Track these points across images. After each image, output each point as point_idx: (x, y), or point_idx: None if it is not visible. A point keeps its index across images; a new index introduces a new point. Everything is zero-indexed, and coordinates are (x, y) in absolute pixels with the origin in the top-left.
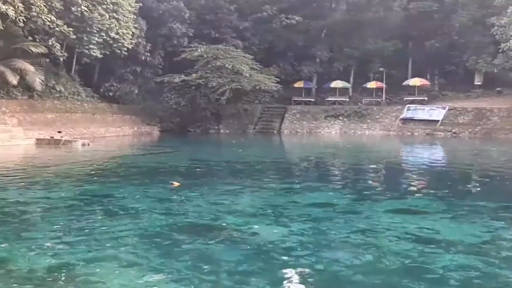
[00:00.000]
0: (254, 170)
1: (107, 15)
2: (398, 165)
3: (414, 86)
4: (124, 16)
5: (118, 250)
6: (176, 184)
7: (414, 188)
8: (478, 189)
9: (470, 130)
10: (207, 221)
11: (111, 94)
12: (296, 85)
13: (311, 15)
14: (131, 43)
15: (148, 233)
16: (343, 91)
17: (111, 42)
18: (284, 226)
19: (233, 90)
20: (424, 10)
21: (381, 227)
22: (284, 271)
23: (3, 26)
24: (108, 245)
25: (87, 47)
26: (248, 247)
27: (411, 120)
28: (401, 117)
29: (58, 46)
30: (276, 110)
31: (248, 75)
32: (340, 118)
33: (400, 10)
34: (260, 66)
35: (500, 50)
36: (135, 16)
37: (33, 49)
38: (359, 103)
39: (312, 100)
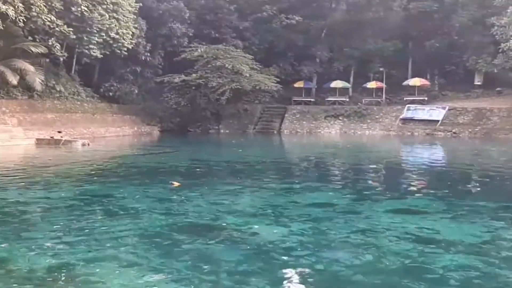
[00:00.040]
0: (254, 170)
1: (107, 15)
2: (398, 165)
3: (414, 86)
4: (124, 16)
5: (118, 250)
6: (176, 184)
7: (414, 188)
8: (478, 189)
9: (470, 130)
10: (207, 221)
11: (111, 94)
12: (296, 85)
13: (311, 15)
14: (131, 43)
15: (148, 233)
16: (343, 91)
17: (111, 42)
18: (284, 226)
19: (233, 90)
20: (424, 10)
21: (381, 227)
22: (284, 271)
23: (3, 26)
24: (108, 245)
25: (87, 47)
26: (248, 247)
27: (411, 120)
28: (401, 117)
29: (58, 46)
30: (276, 110)
31: (248, 75)
32: (340, 118)
33: (400, 10)
34: (260, 66)
35: (500, 50)
36: (135, 16)
37: (33, 49)
38: (359, 103)
39: (312, 100)
